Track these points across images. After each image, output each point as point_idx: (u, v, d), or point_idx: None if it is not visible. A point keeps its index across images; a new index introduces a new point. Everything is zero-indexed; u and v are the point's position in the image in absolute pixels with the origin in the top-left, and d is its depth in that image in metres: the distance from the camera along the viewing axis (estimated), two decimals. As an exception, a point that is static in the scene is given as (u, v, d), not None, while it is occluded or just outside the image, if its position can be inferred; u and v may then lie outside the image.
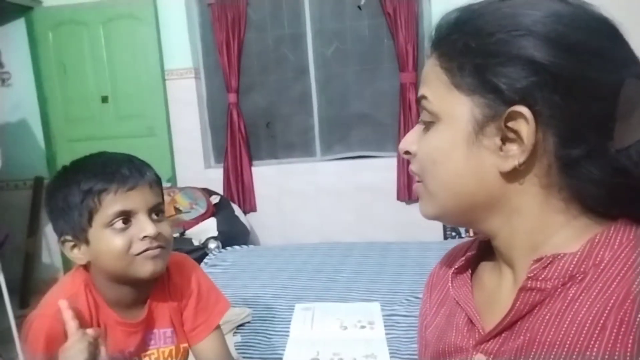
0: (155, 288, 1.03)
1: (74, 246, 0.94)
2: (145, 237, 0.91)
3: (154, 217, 0.95)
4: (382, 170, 3.58)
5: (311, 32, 3.63)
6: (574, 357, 0.44)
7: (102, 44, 3.65)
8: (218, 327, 1.08)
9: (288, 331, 1.81)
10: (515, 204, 0.50)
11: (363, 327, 1.78)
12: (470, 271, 0.61)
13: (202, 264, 2.70)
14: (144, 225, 0.91)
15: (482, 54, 0.48)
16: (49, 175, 3.83)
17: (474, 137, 0.49)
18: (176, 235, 3.10)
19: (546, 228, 0.50)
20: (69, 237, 0.94)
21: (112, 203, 0.91)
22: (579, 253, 0.48)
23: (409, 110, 3.44)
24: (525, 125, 0.46)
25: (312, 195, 3.68)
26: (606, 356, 0.42)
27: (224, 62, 3.59)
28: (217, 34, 3.58)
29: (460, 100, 0.50)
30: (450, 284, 0.61)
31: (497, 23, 0.48)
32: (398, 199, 3.58)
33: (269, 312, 1.96)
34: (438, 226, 3.43)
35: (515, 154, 0.47)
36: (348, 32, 3.62)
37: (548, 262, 0.48)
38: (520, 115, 0.46)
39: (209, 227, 3.16)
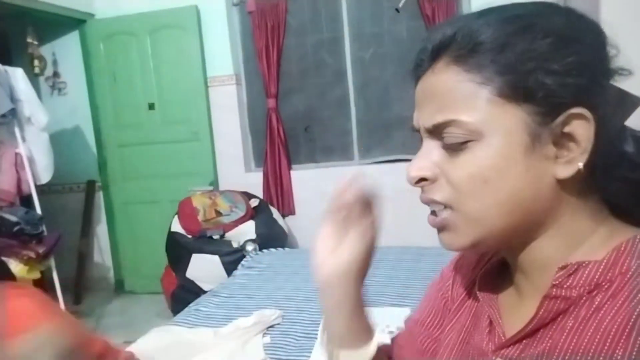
0: None
1: None
2: None
3: None
4: (421, 173, 3.53)
5: (349, 36, 3.64)
6: None
7: (149, 53, 3.81)
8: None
9: (316, 334, 1.82)
10: (555, 212, 0.49)
11: (391, 332, 1.77)
12: (498, 274, 0.60)
13: (240, 266, 2.77)
14: None
15: (532, 58, 0.46)
16: (101, 179, 4.04)
17: (531, 147, 0.47)
18: (216, 237, 3.19)
19: (578, 235, 0.49)
20: None
21: None
22: (604, 261, 0.47)
23: (448, 113, 3.38)
24: (584, 127, 0.46)
25: (351, 199, 3.68)
26: None
27: (264, 68, 3.67)
28: (257, 41, 3.66)
29: (510, 111, 0.46)
30: (477, 284, 0.60)
31: (546, 27, 0.47)
32: (437, 203, 3.52)
33: (299, 314, 1.99)
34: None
35: (575, 157, 0.47)
36: (386, 36, 3.61)
37: (573, 269, 0.48)
38: (578, 117, 0.46)
39: (248, 230, 3.23)
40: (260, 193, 3.74)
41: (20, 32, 3.78)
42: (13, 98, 2.88)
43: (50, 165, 3.10)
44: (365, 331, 0.62)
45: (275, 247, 3.06)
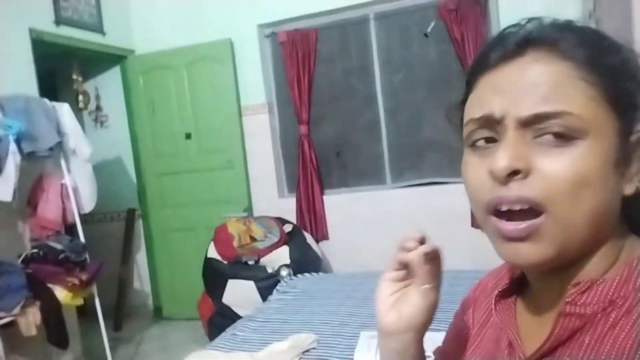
0: None
1: None
2: None
3: None
4: (455, 196, 3.50)
5: (378, 61, 3.70)
6: None
7: (185, 84, 3.95)
8: None
9: (352, 358, 1.82)
10: (613, 230, 0.49)
11: (428, 357, 1.75)
12: (515, 295, 0.60)
13: (275, 291, 2.79)
14: None
15: None
16: (140, 207, 4.16)
17: (620, 158, 0.47)
18: (251, 262, 3.23)
19: (615, 254, 0.50)
20: None
21: None
22: (617, 278, 0.48)
23: (481, 135, 3.36)
24: None
25: (384, 223, 3.68)
26: None
27: (295, 96, 3.75)
28: (288, 70, 3.76)
29: (610, 117, 0.46)
30: (493, 307, 0.60)
31: None
32: (472, 226, 3.47)
33: (334, 338, 1.99)
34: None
35: (633, 178, 0.48)
36: (415, 60, 3.65)
37: (586, 286, 0.48)
38: None
39: (282, 255, 3.26)
40: (293, 218, 3.77)
41: (66, 69, 3.99)
42: (59, 132, 3.03)
43: (93, 195, 3.22)
44: None
45: (309, 271, 3.07)
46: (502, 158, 0.46)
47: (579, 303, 0.48)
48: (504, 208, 0.47)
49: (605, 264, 0.49)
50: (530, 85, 0.47)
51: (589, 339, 0.47)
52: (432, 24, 3.54)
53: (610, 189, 0.47)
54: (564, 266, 0.50)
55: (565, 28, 0.49)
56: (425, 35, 3.58)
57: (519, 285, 0.60)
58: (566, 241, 0.46)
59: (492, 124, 0.49)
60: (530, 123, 0.46)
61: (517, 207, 0.47)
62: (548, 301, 0.53)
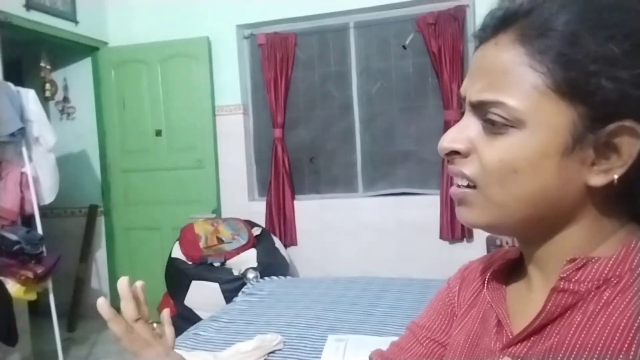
0: None
1: None
2: None
3: None
4: (425, 207, 3.53)
5: (356, 70, 3.71)
6: None
7: (159, 80, 3.87)
8: None
9: (318, 360, 1.77)
10: (578, 214, 0.49)
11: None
12: (505, 280, 0.60)
13: (240, 293, 2.72)
14: None
15: (601, 60, 0.43)
16: (103, 204, 4.02)
17: (571, 149, 0.45)
18: (217, 264, 3.15)
19: (598, 235, 0.49)
20: None
21: None
22: (614, 257, 0.47)
23: (453, 148, 3.40)
24: (632, 142, 0.44)
25: (354, 231, 3.66)
26: None
27: (271, 99, 3.72)
28: (265, 73, 3.72)
29: (560, 108, 0.45)
30: (485, 287, 0.60)
31: (629, 29, 0.43)
32: (441, 237, 3.50)
33: (301, 340, 1.94)
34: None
35: (612, 169, 0.45)
36: (393, 71, 3.68)
37: (582, 263, 0.47)
38: (629, 130, 0.44)
39: (249, 258, 3.19)
40: (262, 222, 3.71)
41: (35, 56, 3.85)
42: (23, 118, 2.91)
43: (54, 186, 3.08)
44: None
45: (276, 276, 3.01)
46: (445, 139, 0.51)
47: (573, 279, 0.47)
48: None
49: (583, 242, 0.49)
50: (485, 70, 0.49)
51: (581, 317, 0.46)
52: (411, 36, 3.59)
53: (557, 177, 0.46)
54: (533, 238, 0.52)
55: (547, 7, 0.46)
56: (404, 47, 3.62)
57: (509, 271, 0.61)
58: (498, 215, 0.50)
59: (464, 102, 0.53)
60: (477, 107, 0.49)
61: (459, 180, 0.51)
62: (539, 281, 0.53)
